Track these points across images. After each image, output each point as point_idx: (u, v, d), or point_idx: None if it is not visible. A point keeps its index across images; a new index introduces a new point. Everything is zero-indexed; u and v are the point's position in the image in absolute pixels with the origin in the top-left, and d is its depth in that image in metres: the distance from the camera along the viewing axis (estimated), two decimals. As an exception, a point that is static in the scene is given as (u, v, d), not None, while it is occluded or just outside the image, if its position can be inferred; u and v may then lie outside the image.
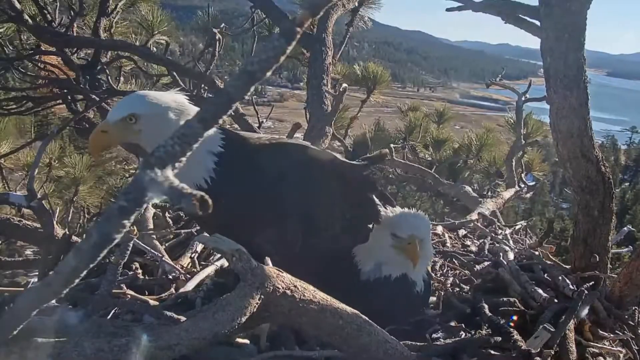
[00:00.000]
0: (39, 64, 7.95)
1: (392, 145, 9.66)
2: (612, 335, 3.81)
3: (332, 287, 2.82)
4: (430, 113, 12.19)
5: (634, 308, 4.00)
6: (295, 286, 2.61)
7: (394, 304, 3.47)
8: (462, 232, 5.84)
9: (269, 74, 1.36)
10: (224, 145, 3.10)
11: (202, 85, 8.14)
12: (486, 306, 3.55)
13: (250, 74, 1.34)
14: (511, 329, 3.11)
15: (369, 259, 3.61)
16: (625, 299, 4.03)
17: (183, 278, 3.65)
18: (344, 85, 6.57)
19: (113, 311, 3.08)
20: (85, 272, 1.54)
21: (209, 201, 1.30)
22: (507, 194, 8.75)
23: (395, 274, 3.57)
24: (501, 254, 4.66)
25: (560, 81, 3.85)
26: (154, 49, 8.16)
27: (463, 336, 3.26)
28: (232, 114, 2.97)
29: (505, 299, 3.81)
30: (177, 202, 1.30)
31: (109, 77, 7.99)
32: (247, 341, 2.87)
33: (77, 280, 1.57)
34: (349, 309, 2.73)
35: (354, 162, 3.59)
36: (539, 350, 2.98)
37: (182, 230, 4.79)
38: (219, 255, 3.91)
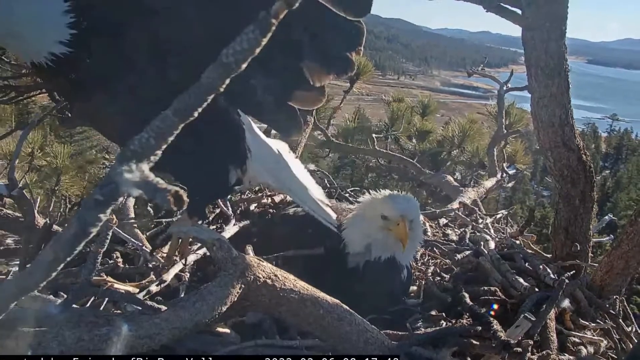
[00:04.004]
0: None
1: (374, 135, 9.71)
2: (593, 324, 3.83)
3: (322, 272, 2.84)
4: (415, 105, 12.09)
5: (614, 297, 4.02)
6: (275, 275, 2.63)
7: (382, 286, 3.51)
8: (443, 221, 5.85)
9: (244, 66, 1.35)
10: None
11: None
12: (467, 295, 3.57)
13: (226, 66, 1.34)
14: (491, 319, 3.11)
15: (358, 242, 3.63)
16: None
17: (164, 267, 3.65)
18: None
19: (92, 300, 3.08)
20: (65, 262, 1.55)
21: (183, 196, 1.29)
22: (489, 183, 8.81)
23: (385, 256, 3.60)
24: (482, 242, 4.67)
25: (541, 70, 3.85)
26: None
27: (444, 325, 3.28)
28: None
29: (486, 288, 3.83)
30: (152, 196, 1.29)
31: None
32: (227, 330, 2.89)
33: (58, 269, 1.57)
34: (329, 298, 2.75)
35: None
36: (518, 340, 2.99)
37: (163, 219, 4.79)
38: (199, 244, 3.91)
